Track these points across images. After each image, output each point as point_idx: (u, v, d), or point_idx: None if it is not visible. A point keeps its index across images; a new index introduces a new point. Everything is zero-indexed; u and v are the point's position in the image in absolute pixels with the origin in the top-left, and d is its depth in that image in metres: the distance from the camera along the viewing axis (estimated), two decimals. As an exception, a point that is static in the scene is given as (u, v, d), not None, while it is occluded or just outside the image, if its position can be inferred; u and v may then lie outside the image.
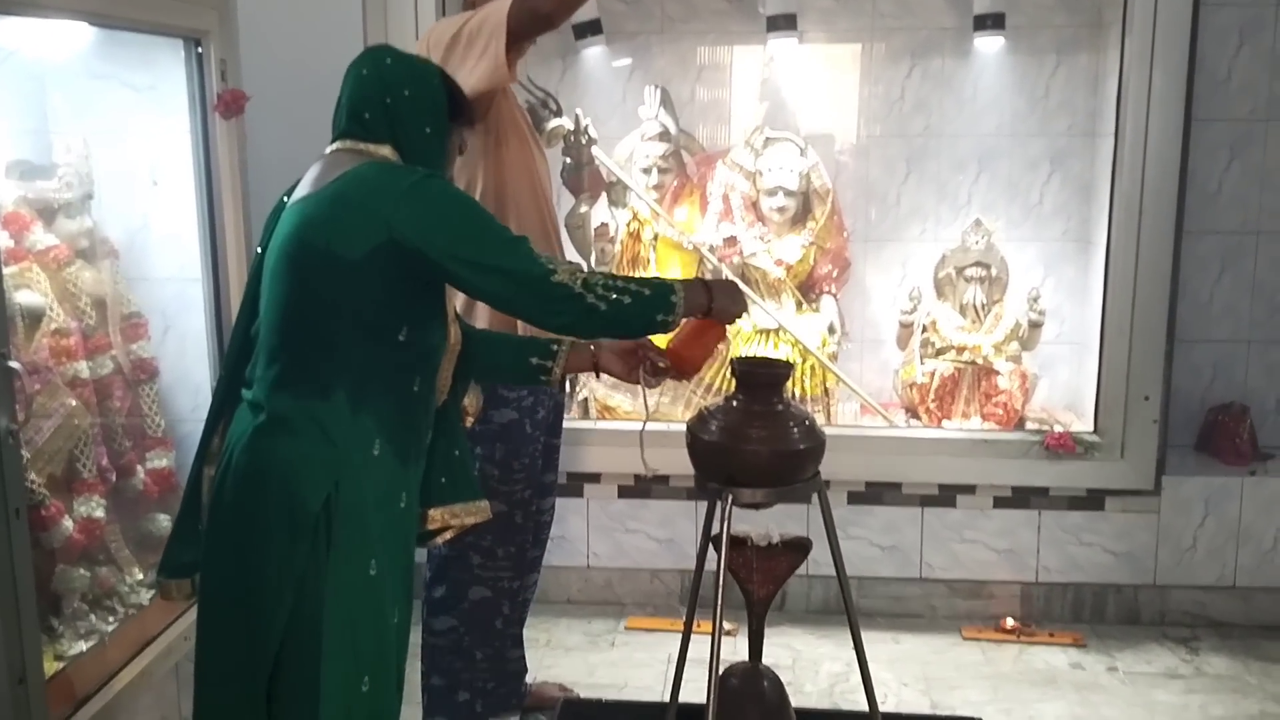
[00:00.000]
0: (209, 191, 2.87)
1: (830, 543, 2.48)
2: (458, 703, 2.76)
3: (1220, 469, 3.66)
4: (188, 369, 2.94)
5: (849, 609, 2.52)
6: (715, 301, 2.04)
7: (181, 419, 2.94)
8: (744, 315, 2.17)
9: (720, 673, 2.39)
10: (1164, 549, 3.64)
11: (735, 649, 3.11)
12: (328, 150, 2.01)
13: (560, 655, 3.46)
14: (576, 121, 3.62)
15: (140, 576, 2.66)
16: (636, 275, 1.97)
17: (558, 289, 1.84)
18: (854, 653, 2.47)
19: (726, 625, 3.27)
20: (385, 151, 1.95)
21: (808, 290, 3.83)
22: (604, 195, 3.74)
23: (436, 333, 2.01)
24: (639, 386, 2.24)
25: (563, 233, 3.35)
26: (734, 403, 2.39)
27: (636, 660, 3.43)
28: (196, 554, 1.99)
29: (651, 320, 1.94)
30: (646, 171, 3.81)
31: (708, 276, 1.98)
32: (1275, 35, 3.67)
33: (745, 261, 3.76)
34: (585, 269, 1.84)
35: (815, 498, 2.44)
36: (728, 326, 2.18)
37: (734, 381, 2.41)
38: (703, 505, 3.34)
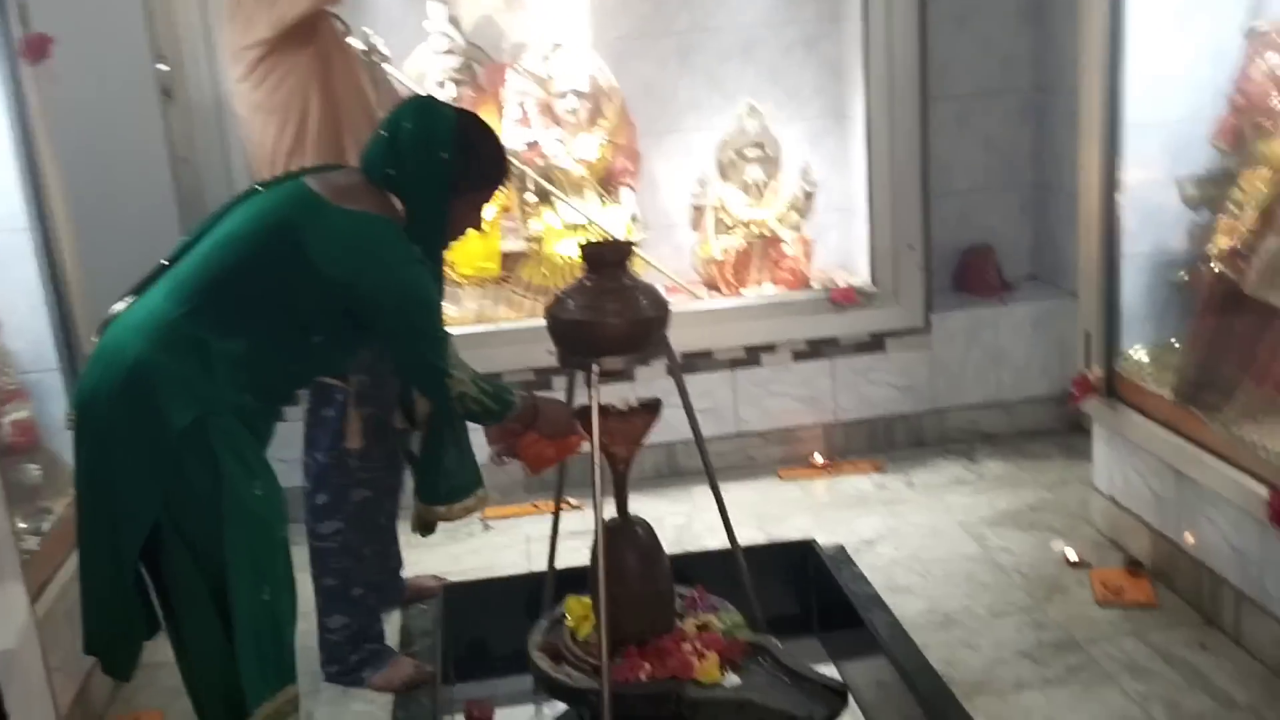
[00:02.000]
0: (25, 139, 2.83)
1: (680, 393, 2.82)
2: (353, 598, 2.90)
3: (977, 302, 4.21)
4: (24, 320, 2.92)
5: (702, 451, 2.86)
6: (538, 420, 2.52)
7: (25, 370, 2.93)
8: (567, 436, 2.59)
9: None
10: (938, 378, 4.16)
11: (583, 521, 3.36)
12: (356, 167, 2.29)
13: (424, 551, 3.62)
14: (366, 40, 3.70)
15: (23, 525, 2.67)
16: (503, 387, 2.42)
17: (444, 386, 2.28)
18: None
19: (573, 500, 3.53)
20: (397, 204, 2.21)
21: (606, 185, 4.08)
22: (402, 112, 3.83)
23: (344, 354, 2.37)
24: None
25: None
26: (586, 283, 2.64)
27: (498, 544, 3.66)
28: None
29: (483, 421, 2.45)
30: (441, 85, 3.91)
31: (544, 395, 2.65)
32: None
33: (549, 163, 3.97)
34: (470, 377, 2.30)
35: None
36: (571, 443, 2.61)
37: (583, 263, 2.65)
38: (544, 390, 3.59)
